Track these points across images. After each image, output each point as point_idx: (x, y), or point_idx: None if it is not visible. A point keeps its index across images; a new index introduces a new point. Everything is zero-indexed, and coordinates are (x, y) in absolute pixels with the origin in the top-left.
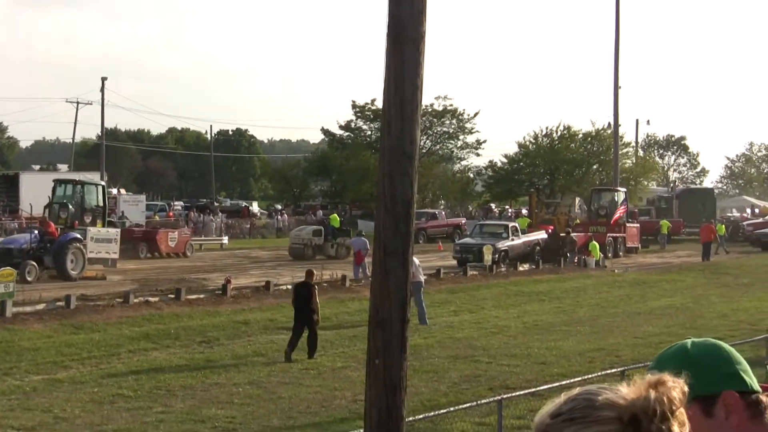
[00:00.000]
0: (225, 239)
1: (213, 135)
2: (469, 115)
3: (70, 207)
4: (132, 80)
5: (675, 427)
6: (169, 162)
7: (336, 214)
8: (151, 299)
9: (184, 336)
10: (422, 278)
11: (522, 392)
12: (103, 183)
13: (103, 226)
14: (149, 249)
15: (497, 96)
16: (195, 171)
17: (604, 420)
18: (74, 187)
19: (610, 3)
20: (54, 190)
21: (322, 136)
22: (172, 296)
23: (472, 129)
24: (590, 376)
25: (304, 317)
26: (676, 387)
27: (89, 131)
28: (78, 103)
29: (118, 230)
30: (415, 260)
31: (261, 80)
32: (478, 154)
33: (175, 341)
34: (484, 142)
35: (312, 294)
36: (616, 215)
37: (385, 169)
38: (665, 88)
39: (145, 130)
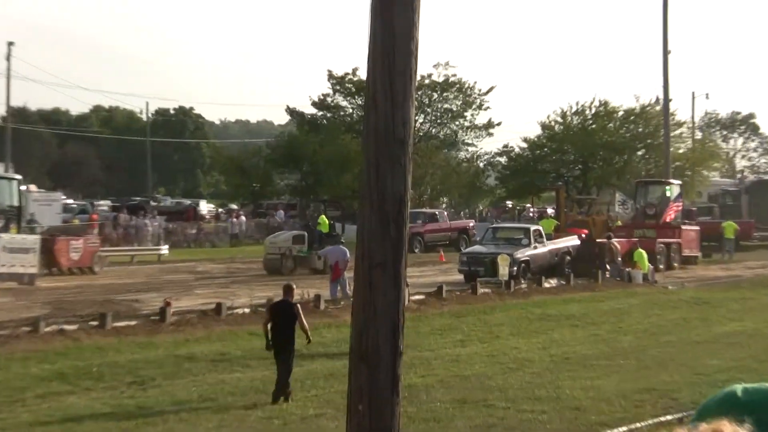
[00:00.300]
0: (164, 248)
1: (149, 115)
2: (480, 89)
3: None
4: (47, 49)
5: None
6: (92, 149)
7: (324, 216)
8: (68, 327)
9: (109, 375)
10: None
11: None
12: (18, 177)
13: (18, 231)
14: (46, 263)
15: (515, 67)
16: (126, 161)
17: None
18: None
19: None
20: None
21: (290, 117)
22: (95, 324)
23: (483, 105)
24: (639, 425)
25: (284, 345)
26: None
27: None
28: None
29: (38, 237)
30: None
31: (211, 47)
32: (490, 134)
33: (98, 382)
34: (499, 124)
35: (295, 315)
36: (668, 215)
37: (370, 158)
38: (728, 54)
39: (63, 110)
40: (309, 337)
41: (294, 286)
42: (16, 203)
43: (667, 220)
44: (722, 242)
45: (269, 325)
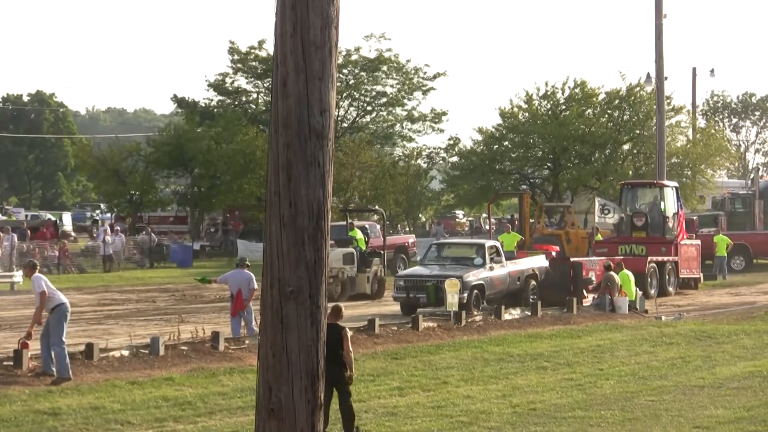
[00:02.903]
0: (17, 275)
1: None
2: (425, 72)
3: None
4: None
5: None
6: None
7: (357, 230)
8: None
9: None
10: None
11: None
12: None
13: None
14: None
15: (468, 45)
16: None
17: None
18: None
19: None
20: None
21: (174, 107)
22: None
23: (426, 89)
24: None
25: (332, 374)
26: None
27: None
28: None
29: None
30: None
31: (75, 17)
32: (436, 128)
33: None
34: (444, 114)
35: (343, 339)
36: (680, 231)
37: (279, 156)
38: (738, 22)
39: None
40: (352, 372)
41: (342, 308)
42: None
43: (681, 239)
44: (714, 260)
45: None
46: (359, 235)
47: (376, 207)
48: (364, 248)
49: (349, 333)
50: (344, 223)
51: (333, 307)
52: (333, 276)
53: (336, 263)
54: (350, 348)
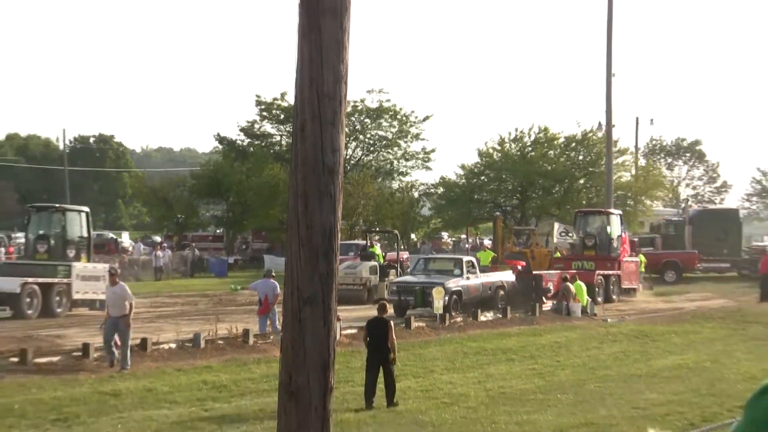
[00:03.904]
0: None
1: (67, 142)
2: (416, 117)
3: (51, 241)
4: None
5: None
6: (7, 179)
7: (376, 246)
8: None
9: (32, 413)
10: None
11: None
12: (86, 209)
13: (89, 260)
14: None
15: (452, 95)
16: (44, 191)
17: None
18: (51, 216)
19: None
20: (29, 219)
21: (216, 144)
22: (16, 360)
23: (419, 134)
24: None
25: (379, 358)
26: None
27: None
28: None
29: (107, 266)
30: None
31: (132, 70)
32: (427, 168)
33: (21, 419)
34: (433, 151)
35: (388, 330)
36: (623, 249)
37: (298, 187)
38: (674, 79)
39: None
40: (395, 355)
41: (387, 305)
42: (85, 234)
43: (623, 257)
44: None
45: (367, 340)
46: (378, 250)
47: (394, 230)
48: (382, 261)
49: (393, 324)
50: (364, 242)
51: (379, 305)
52: (362, 284)
53: (365, 274)
54: (394, 336)
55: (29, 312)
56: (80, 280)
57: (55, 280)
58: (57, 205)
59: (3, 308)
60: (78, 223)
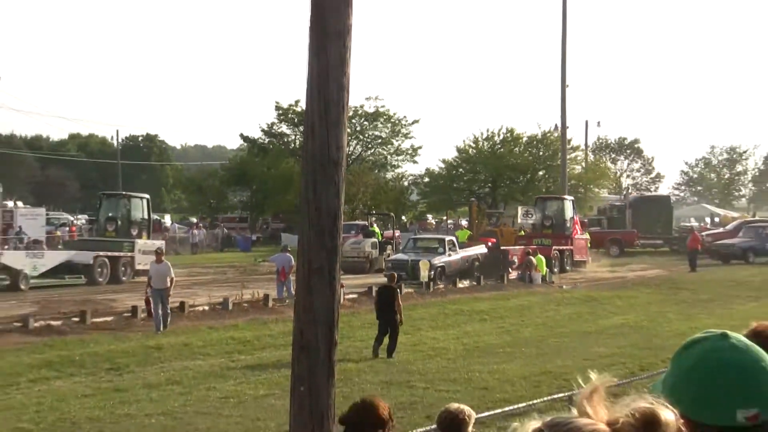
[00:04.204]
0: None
1: (119, 141)
2: (406, 120)
3: (118, 221)
4: (29, 81)
5: None
6: (71, 171)
7: (375, 226)
8: (53, 323)
9: (90, 363)
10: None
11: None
12: (147, 197)
13: (148, 238)
14: None
15: (436, 101)
16: (100, 181)
17: None
18: (119, 201)
19: None
20: (100, 203)
21: (241, 142)
22: (77, 319)
23: (408, 134)
24: (536, 401)
25: (387, 319)
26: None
27: None
28: None
29: (163, 243)
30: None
31: (173, 80)
32: (414, 162)
33: (81, 369)
34: (420, 148)
35: (395, 296)
36: (575, 230)
37: (308, 178)
38: (617, 87)
39: (44, 136)
40: (401, 317)
41: (396, 275)
42: (146, 216)
43: (575, 235)
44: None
45: (378, 302)
46: (377, 229)
47: (390, 213)
48: (380, 238)
49: (399, 292)
50: (364, 222)
51: (389, 276)
52: (365, 257)
53: (367, 249)
54: (400, 301)
55: (100, 279)
56: (141, 254)
57: (121, 253)
58: (123, 192)
59: (78, 276)
60: (140, 207)
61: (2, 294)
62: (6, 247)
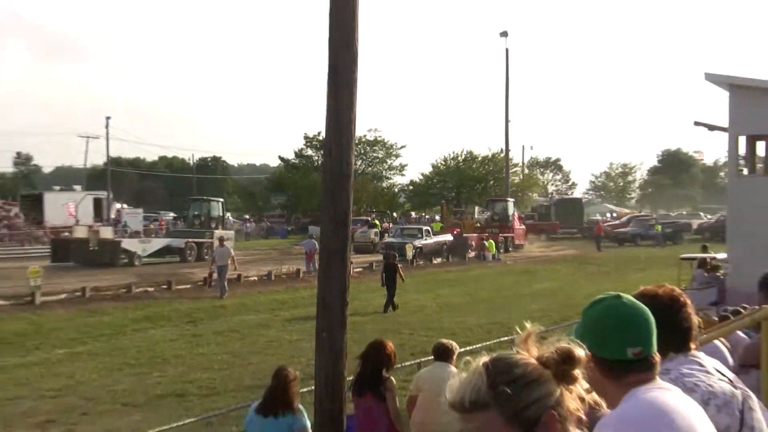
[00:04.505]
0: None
1: (195, 161)
2: (396, 145)
3: (202, 218)
4: (130, 118)
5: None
6: (160, 183)
7: (377, 220)
8: (149, 289)
9: (175, 317)
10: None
11: (416, 361)
12: (221, 200)
13: (223, 228)
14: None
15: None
16: (181, 190)
17: (546, 375)
18: (198, 205)
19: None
20: (189, 205)
21: (279, 162)
22: (165, 287)
23: (397, 155)
24: (488, 343)
25: (391, 285)
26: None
27: (98, 159)
28: (88, 137)
29: (232, 233)
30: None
31: (232, 117)
32: (402, 175)
33: (168, 322)
34: (406, 166)
35: (397, 269)
36: (515, 222)
37: (327, 187)
38: (545, 120)
39: (141, 158)
40: (403, 277)
41: (396, 256)
42: (221, 214)
43: (515, 226)
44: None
45: (384, 274)
46: (378, 222)
47: (387, 210)
48: (380, 228)
49: (400, 267)
50: (368, 218)
51: (392, 256)
52: (371, 242)
53: (372, 236)
54: (401, 271)
55: (189, 258)
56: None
57: (204, 240)
58: (205, 197)
59: (174, 256)
60: (217, 207)
61: (121, 269)
62: (125, 235)
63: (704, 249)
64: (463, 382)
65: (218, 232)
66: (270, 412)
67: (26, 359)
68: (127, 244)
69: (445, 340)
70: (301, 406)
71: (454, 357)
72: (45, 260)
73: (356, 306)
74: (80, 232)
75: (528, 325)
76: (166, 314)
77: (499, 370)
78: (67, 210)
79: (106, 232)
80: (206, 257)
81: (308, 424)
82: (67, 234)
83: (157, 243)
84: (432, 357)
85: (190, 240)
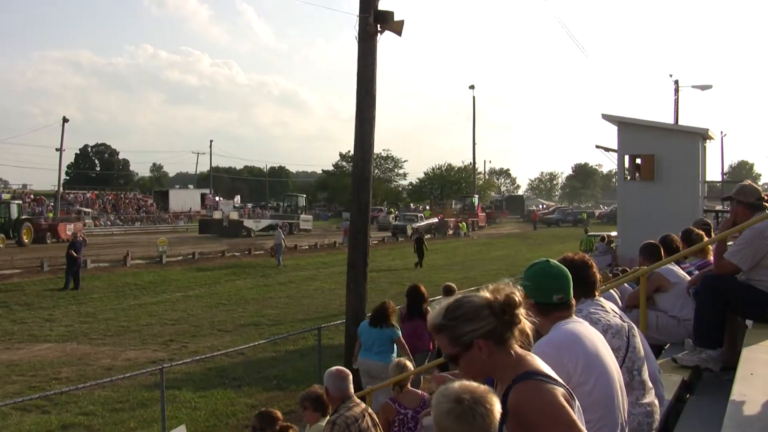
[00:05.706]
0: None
1: (267, 169)
2: (401, 159)
3: (292, 206)
4: (225, 140)
5: (521, 314)
6: (245, 184)
7: (392, 209)
8: (236, 254)
9: (252, 272)
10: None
11: (431, 299)
12: (305, 195)
13: (306, 214)
14: (53, 236)
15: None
16: (258, 188)
17: (483, 314)
18: (291, 198)
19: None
20: (284, 198)
21: (322, 171)
22: (247, 252)
23: (402, 166)
24: (462, 291)
25: (420, 252)
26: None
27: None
28: (198, 153)
29: (311, 217)
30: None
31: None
32: (405, 179)
33: (248, 275)
34: (407, 173)
35: (423, 242)
36: (479, 211)
37: (354, 186)
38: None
39: (232, 167)
40: (427, 248)
41: (423, 232)
42: (304, 204)
43: (479, 213)
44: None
45: (415, 245)
46: (392, 210)
47: (397, 204)
48: (394, 214)
49: (424, 237)
50: (382, 207)
51: (421, 233)
52: (387, 223)
53: (390, 219)
54: (425, 242)
55: (283, 234)
56: (302, 221)
57: (293, 221)
58: (296, 193)
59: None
60: (302, 200)
61: (242, 238)
62: (245, 217)
63: (586, 231)
64: (433, 313)
65: (303, 216)
66: (377, 325)
67: (156, 299)
68: (247, 222)
69: (450, 283)
70: (396, 324)
71: (456, 294)
72: (168, 234)
73: (373, 266)
74: (217, 215)
75: (505, 280)
76: (246, 270)
77: (451, 307)
78: (197, 201)
79: (234, 215)
80: (295, 232)
81: (399, 334)
82: (207, 216)
83: (265, 222)
84: (442, 294)
85: (285, 221)
